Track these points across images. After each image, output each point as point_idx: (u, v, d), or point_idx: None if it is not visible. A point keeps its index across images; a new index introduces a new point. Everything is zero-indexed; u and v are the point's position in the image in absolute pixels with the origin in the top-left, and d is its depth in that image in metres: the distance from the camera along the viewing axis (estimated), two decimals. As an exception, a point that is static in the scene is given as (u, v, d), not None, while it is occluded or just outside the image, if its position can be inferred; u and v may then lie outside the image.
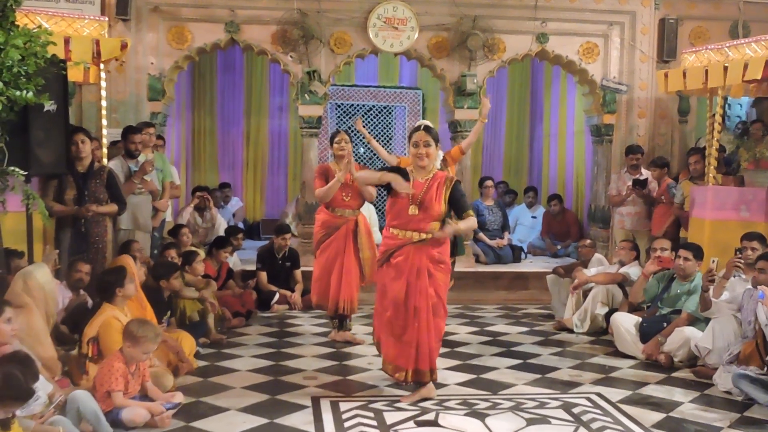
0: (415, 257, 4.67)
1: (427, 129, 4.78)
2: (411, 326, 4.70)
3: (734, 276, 5.55)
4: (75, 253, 5.78)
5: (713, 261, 5.60)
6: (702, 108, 8.91)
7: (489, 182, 9.84)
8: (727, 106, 7.53)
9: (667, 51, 8.85)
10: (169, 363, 5.18)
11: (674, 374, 5.58)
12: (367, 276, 6.34)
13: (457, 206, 4.76)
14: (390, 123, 11.70)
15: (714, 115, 7.32)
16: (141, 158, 7.02)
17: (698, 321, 5.78)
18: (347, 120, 11.56)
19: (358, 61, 9.29)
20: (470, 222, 4.76)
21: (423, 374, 4.77)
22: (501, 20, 8.66)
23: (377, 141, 11.28)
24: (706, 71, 7.02)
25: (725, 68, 6.79)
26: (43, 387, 3.87)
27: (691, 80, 7.26)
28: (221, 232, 8.52)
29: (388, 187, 4.78)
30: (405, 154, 7.39)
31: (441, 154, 4.91)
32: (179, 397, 4.47)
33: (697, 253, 6.15)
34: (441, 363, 5.72)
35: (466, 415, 4.52)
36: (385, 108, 11.67)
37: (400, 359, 4.77)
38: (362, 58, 8.96)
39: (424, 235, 4.65)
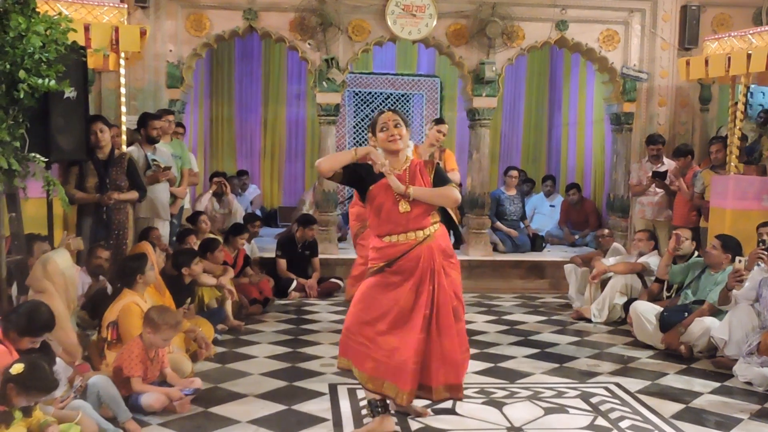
0: (429, 257, 3.96)
1: (394, 110, 4.12)
2: (416, 339, 3.93)
3: (757, 266, 5.49)
4: (96, 240, 5.83)
5: (740, 261, 5.53)
6: (724, 96, 8.80)
7: (514, 172, 9.67)
8: (749, 94, 7.42)
9: (689, 38, 8.73)
10: (187, 349, 5.22)
11: (694, 365, 5.54)
12: None
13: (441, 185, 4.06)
14: (408, 111, 11.70)
15: (736, 103, 7.23)
16: (162, 146, 7.03)
17: (721, 312, 5.71)
18: (365, 108, 11.56)
19: (376, 48, 9.26)
20: (443, 191, 4.01)
21: (456, 389, 4.04)
22: (520, 7, 8.58)
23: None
24: (729, 59, 6.93)
25: (748, 56, 6.70)
26: (63, 371, 3.92)
27: (713, 68, 7.17)
28: (239, 219, 8.54)
29: (359, 189, 4.09)
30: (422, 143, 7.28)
31: (412, 144, 4.16)
32: (197, 383, 4.49)
33: (728, 243, 6.00)
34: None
35: (483, 403, 4.52)
36: (402, 96, 11.65)
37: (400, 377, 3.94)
38: (380, 45, 8.93)
39: (429, 231, 3.99)
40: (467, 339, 4.16)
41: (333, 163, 3.99)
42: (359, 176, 4.03)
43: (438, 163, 4.18)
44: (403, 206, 3.94)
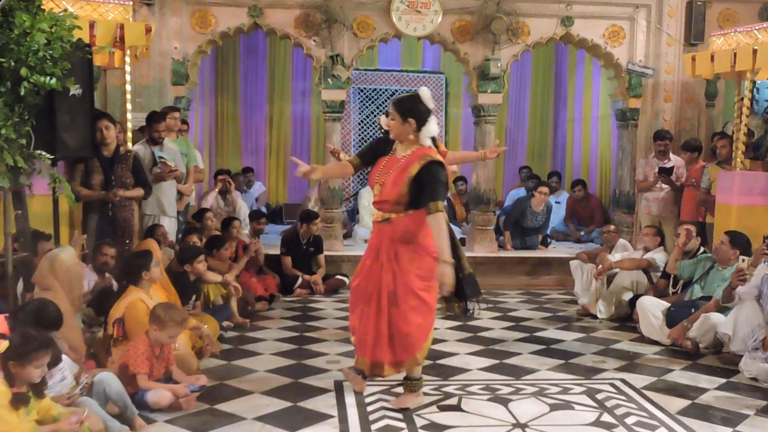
0: (380, 238, 4.29)
1: (395, 102, 4.29)
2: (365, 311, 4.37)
3: (762, 263, 5.47)
4: (102, 237, 5.84)
5: (743, 260, 5.51)
6: (729, 92, 8.77)
7: (545, 188, 9.16)
8: (755, 89, 7.40)
9: (694, 34, 8.69)
10: (193, 346, 5.22)
11: (699, 361, 5.53)
12: None
13: (420, 192, 4.11)
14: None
15: (742, 98, 7.20)
16: (169, 143, 7.04)
17: (727, 308, 5.69)
18: (370, 104, 11.55)
19: (381, 45, 9.24)
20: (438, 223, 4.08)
21: (376, 367, 4.34)
22: (525, 3, 8.55)
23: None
24: (735, 54, 6.90)
25: (754, 51, 6.67)
26: (69, 368, 3.93)
27: (719, 63, 7.14)
28: (243, 216, 8.55)
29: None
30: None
31: (428, 140, 4.27)
32: (203, 380, 4.50)
33: (737, 240, 5.97)
34: (464, 348, 5.74)
35: (489, 400, 4.52)
36: (407, 92, 11.63)
37: (360, 345, 4.46)
38: (385, 42, 8.91)
39: (387, 215, 4.24)
40: (428, 316, 4.27)
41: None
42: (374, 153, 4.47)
43: (432, 163, 4.11)
44: (376, 189, 4.28)
